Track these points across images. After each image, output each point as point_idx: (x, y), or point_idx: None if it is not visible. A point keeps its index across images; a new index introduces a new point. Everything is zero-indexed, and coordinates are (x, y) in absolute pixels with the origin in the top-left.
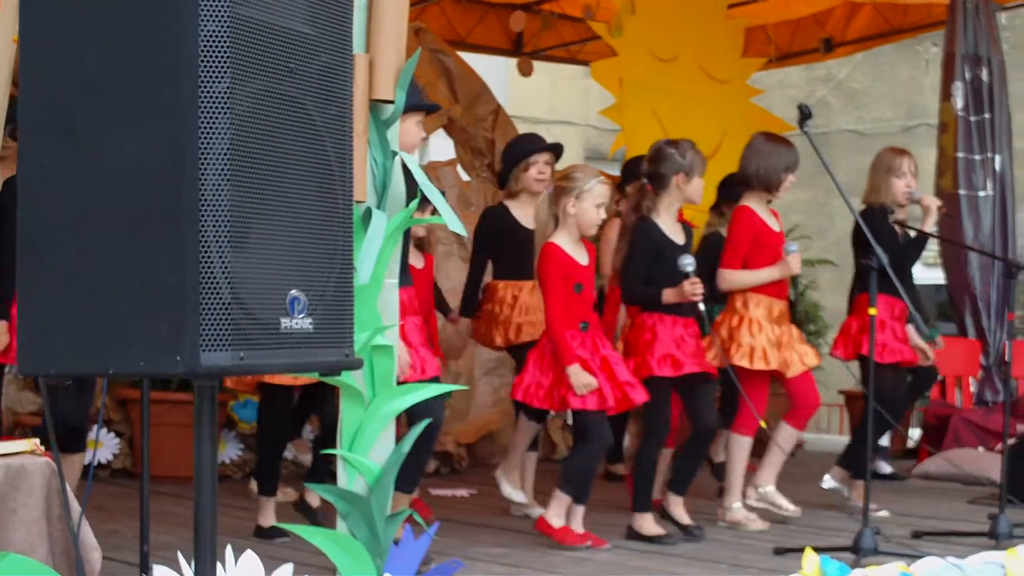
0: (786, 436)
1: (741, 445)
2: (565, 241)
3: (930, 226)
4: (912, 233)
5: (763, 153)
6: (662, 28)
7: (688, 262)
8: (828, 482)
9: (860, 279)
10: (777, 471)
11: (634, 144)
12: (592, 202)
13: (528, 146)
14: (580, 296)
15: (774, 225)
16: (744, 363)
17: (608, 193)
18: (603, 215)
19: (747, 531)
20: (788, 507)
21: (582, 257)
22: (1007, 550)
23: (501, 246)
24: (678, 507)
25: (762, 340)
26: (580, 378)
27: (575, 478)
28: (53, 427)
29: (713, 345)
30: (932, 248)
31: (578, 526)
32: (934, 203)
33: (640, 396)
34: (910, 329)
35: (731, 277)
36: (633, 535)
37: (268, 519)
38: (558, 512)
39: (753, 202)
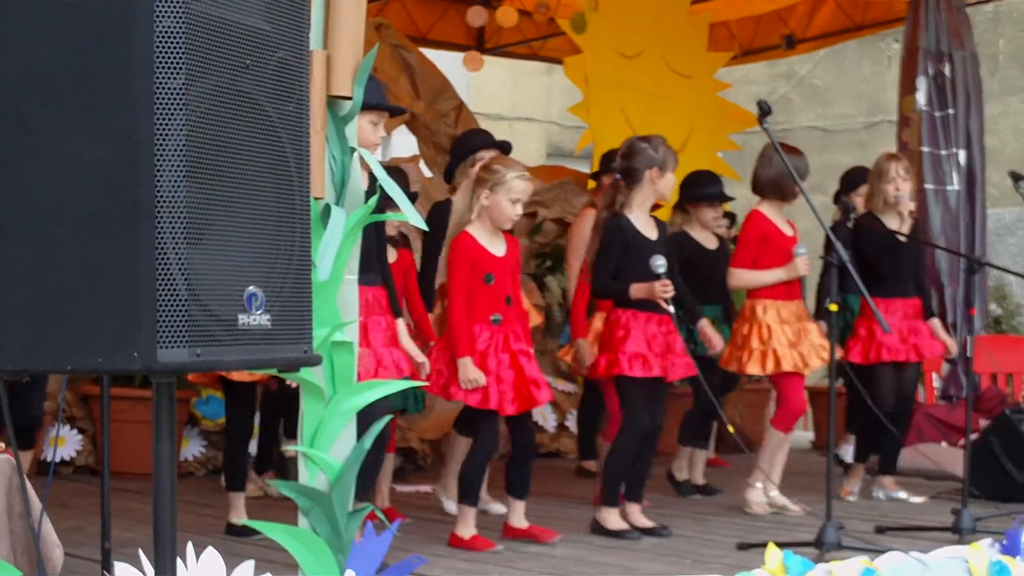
0: (775, 443)
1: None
2: (479, 231)
3: (906, 230)
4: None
5: (775, 163)
6: (625, 25)
7: (660, 263)
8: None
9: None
10: (778, 473)
11: (602, 141)
12: (506, 196)
13: (476, 141)
14: (490, 288)
15: (787, 230)
16: (756, 370)
17: (527, 189)
18: (519, 211)
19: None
20: (793, 507)
21: (497, 249)
22: (970, 545)
23: None
24: (635, 514)
25: (773, 344)
26: (466, 372)
27: (466, 485)
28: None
29: (733, 354)
30: None
31: (521, 521)
32: (906, 208)
33: (545, 396)
34: (935, 323)
35: (740, 275)
36: (597, 528)
37: (239, 514)
38: (466, 523)
39: (766, 208)
